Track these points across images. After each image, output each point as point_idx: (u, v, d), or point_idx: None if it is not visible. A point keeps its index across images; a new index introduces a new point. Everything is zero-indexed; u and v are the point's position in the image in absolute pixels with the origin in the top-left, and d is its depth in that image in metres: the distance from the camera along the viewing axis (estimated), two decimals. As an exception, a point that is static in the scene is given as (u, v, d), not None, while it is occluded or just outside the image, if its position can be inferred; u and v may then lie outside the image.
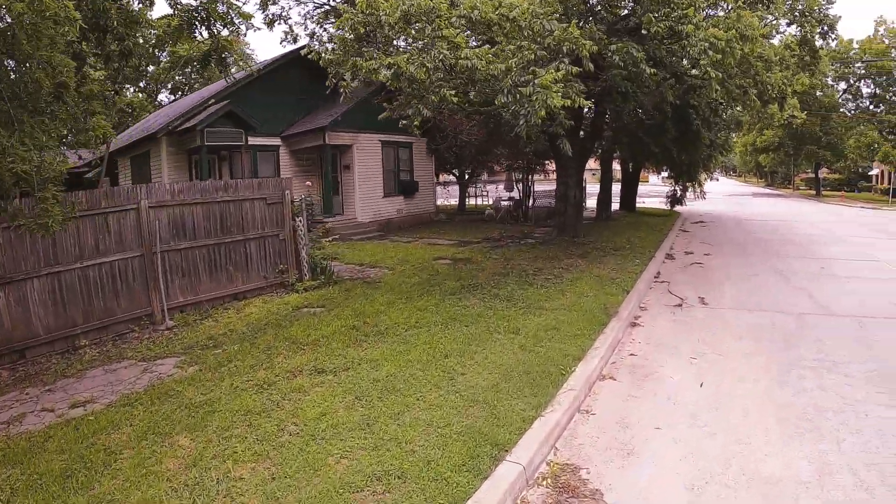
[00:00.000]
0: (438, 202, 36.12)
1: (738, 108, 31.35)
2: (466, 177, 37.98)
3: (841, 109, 65.68)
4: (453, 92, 12.74)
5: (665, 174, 37.80)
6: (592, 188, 36.16)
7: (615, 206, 36.56)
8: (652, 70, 14.03)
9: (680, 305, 14.33)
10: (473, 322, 11.41)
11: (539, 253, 20.31)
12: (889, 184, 73.97)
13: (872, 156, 63.29)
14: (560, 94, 11.74)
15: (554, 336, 10.82)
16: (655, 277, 17.59)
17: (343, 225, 24.66)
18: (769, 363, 10.20)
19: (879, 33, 62.59)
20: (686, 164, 29.98)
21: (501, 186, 39.77)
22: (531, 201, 32.54)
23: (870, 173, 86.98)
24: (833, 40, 30.71)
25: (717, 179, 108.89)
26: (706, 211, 40.44)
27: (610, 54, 14.43)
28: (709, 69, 14.03)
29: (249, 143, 22.58)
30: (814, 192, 74.35)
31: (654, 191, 54.30)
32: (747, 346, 11.12)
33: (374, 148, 26.92)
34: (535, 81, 11.87)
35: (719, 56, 13.97)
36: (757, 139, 71.34)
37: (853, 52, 62.86)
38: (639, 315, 13.46)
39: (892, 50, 60.85)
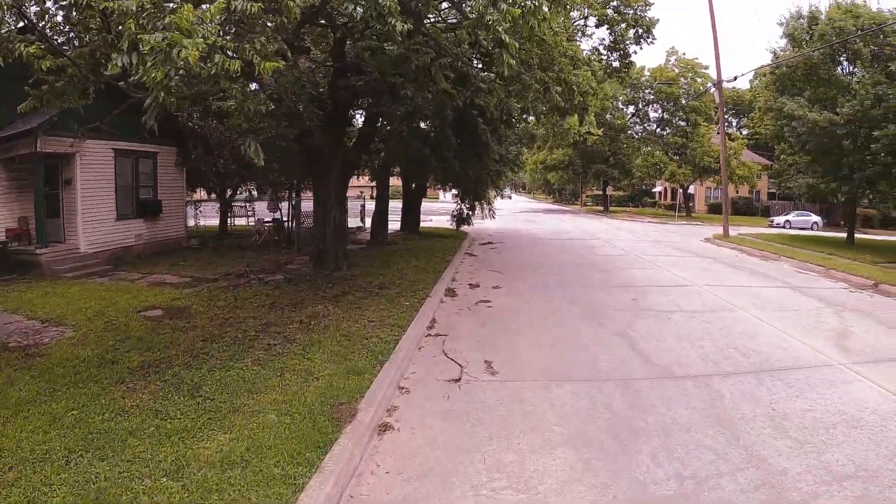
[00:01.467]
0: (202, 223, 31.81)
1: (531, 119, 28.06)
2: (229, 194, 31.64)
3: (629, 132, 70.94)
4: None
5: (455, 191, 33.61)
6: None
7: (395, 226, 32.44)
8: (405, 25, 9.25)
9: (458, 380, 9.56)
10: (117, 449, 6.65)
11: (281, 296, 15.21)
12: (672, 200, 77.12)
13: (659, 174, 67.79)
14: (200, 46, 6.48)
15: (232, 485, 5.93)
16: (429, 328, 12.87)
17: (60, 258, 18.75)
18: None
19: (670, 63, 67.59)
20: (473, 180, 25.83)
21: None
22: (294, 223, 27.00)
23: (653, 190, 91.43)
24: (651, 43, 28.50)
25: (510, 197, 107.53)
26: (497, 229, 37.31)
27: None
28: (501, 33, 9.73)
29: None
30: (602, 208, 77.04)
31: (444, 208, 50.63)
32: (570, 459, 6.89)
33: (105, 158, 21.07)
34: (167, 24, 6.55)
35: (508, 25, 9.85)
36: (548, 157, 72.61)
37: (644, 78, 67.04)
38: (395, 406, 8.50)
39: (681, 78, 65.90)
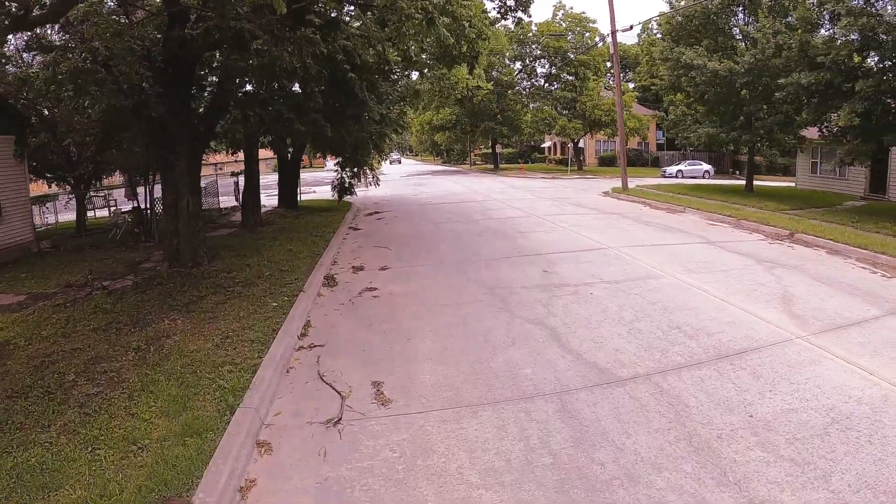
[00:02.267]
0: (60, 219, 28.96)
1: (414, 74, 25.65)
2: (83, 184, 27.34)
3: (516, 88, 69.26)
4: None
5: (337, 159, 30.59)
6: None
7: (272, 202, 29.58)
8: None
9: (338, 420, 7.03)
10: None
11: (123, 311, 12.21)
12: (562, 154, 76.05)
13: (549, 129, 66.08)
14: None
15: None
16: (301, 337, 10.31)
17: None
18: None
19: (558, 17, 66.21)
20: (352, 145, 23.01)
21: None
22: (151, 212, 23.55)
23: (542, 146, 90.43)
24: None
25: (399, 161, 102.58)
26: (383, 197, 34.42)
27: None
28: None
29: None
30: (492, 166, 74.83)
31: (329, 178, 47.67)
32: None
33: None
34: None
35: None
36: (434, 117, 69.63)
37: (531, 33, 65.83)
38: (251, 480, 5.91)
39: (569, 33, 64.86)
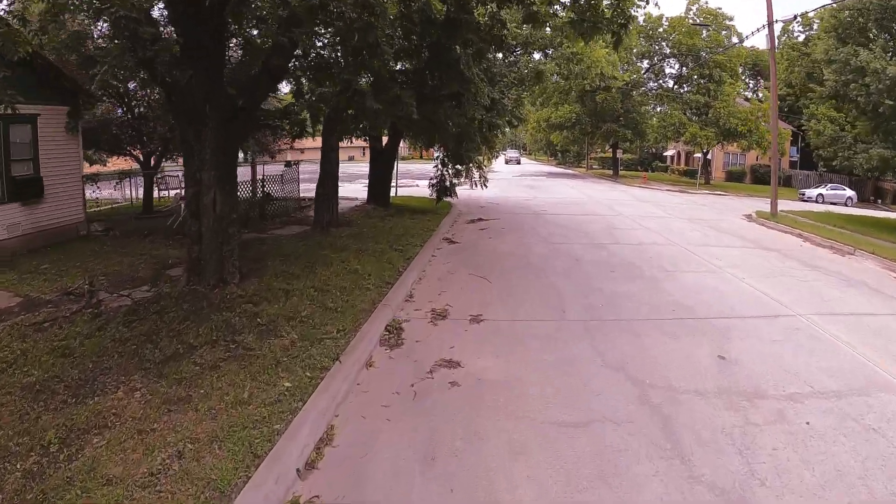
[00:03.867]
0: (128, 195, 27.38)
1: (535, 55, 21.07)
2: (153, 162, 25.03)
3: (641, 88, 61.40)
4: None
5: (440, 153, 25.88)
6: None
7: (360, 198, 25.67)
8: None
9: None
10: None
11: (87, 353, 9.01)
12: (686, 165, 69.25)
13: (678, 136, 58.14)
14: None
15: None
16: (306, 471, 6.03)
17: None
18: None
19: (691, 12, 58.47)
20: (452, 135, 18.35)
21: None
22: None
23: (665, 154, 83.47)
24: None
25: (518, 161, 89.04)
26: (491, 199, 29.09)
27: None
28: None
29: None
30: (610, 171, 68.37)
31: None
32: None
33: None
34: None
35: None
36: (553, 114, 63.43)
37: (662, 28, 58.45)
38: None
39: (703, 30, 56.06)
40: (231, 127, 11.53)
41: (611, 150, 70.99)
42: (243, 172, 23.47)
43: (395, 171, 26.65)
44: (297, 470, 5.82)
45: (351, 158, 72.99)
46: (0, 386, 7.97)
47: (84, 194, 20.45)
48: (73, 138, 19.33)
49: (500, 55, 20.07)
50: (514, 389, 7.57)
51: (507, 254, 15.75)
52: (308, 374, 7.67)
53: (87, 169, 24.93)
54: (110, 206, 27.53)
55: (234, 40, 13.14)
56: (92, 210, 24.55)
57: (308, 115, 15.44)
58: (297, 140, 20.13)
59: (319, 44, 12.50)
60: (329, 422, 6.85)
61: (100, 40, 15.89)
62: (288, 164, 20.58)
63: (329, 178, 18.78)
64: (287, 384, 7.38)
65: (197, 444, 6.09)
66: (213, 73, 11.21)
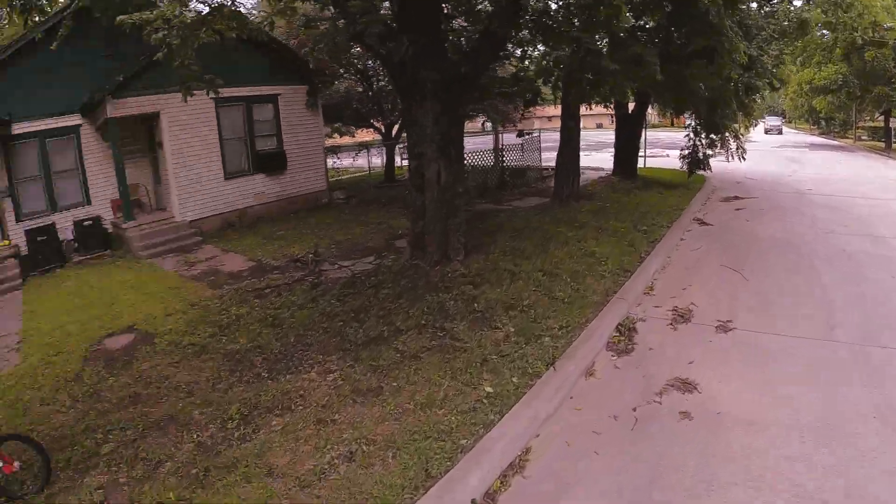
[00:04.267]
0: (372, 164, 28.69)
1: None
2: (394, 133, 26.10)
3: None
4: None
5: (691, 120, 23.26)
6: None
7: (606, 168, 23.82)
8: None
9: None
10: None
11: (293, 326, 9.11)
12: None
13: None
14: None
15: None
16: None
17: (150, 231, 16.69)
18: None
19: None
20: (704, 99, 16.23)
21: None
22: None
23: None
24: None
25: (780, 130, 74.09)
26: (748, 174, 25.15)
27: None
28: None
29: (18, 132, 15.79)
30: (882, 144, 58.79)
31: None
32: None
33: (201, 112, 17.82)
34: None
35: None
36: (814, 76, 55.60)
37: None
38: None
39: None
40: (452, 96, 10.63)
41: (882, 117, 62.08)
42: (481, 142, 22.71)
43: (642, 139, 24.67)
44: (473, 501, 4.85)
45: (599, 126, 70.06)
46: (207, 350, 8.34)
47: (326, 165, 21.50)
48: (313, 114, 20.55)
49: (753, 4, 17.49)
50: (764, 439, 5.69)
51: (765, 241, 13.24)
52: (515, 379, 6.62)
53: (329, 141, 25.96)
54: (351, 176, 28.26)
55: (451, 4, 12.14)
56: (333, 179, 25.47)
57: (540, 80, 14.19)
58: (534, 108, 19.03)
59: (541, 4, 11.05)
60: (526, 444, 5.76)
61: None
62: (520, 133, 19.38)
63: (569, 147, 17.44)
64: (489, 389, 6.41)
65: (371, 448, 5.48)
66: (429, 41, 10.42)
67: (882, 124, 59.20)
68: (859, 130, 71.79)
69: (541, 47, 14.54)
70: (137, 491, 5.33)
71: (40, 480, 5.59)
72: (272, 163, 19.61)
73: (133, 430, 6.40)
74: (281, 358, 7.91)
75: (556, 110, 22.24)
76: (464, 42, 12.61)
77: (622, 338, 8.00)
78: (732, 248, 12.59)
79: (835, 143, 64.35)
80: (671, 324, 8.41)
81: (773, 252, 12.19)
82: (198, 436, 6.14)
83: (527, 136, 20.33)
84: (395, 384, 6.74)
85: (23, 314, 11.80)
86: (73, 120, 17.04)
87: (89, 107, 16.71)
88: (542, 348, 7.29)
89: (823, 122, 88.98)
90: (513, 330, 7.83)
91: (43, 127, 16.50)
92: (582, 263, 10.63)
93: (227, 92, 16.54)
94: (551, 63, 13.13)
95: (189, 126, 17.64)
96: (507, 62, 18.30)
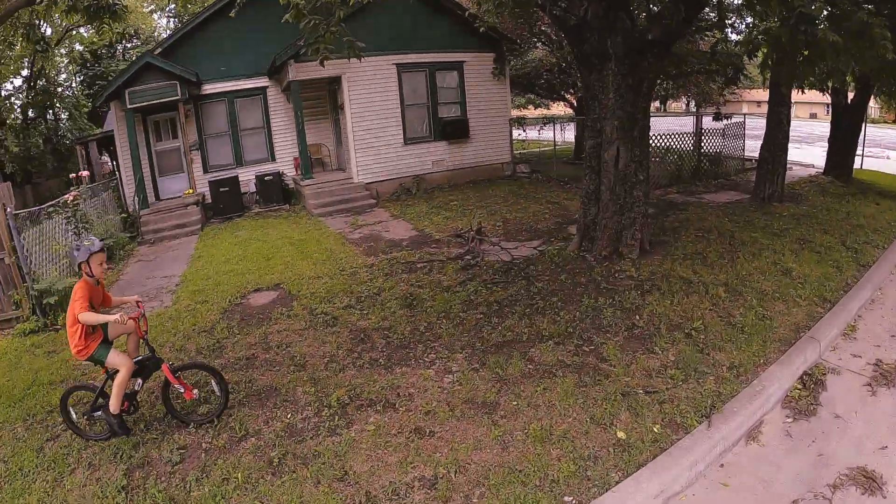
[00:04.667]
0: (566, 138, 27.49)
1: None
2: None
3: None
4: None
5: None
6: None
7: (816, 166, 21.21)
8: None
9: None
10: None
11: (434, 311, 8.55)
12: None
13: None
14: None
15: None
16: None
17: (326, 189, 17.58)
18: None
19: None
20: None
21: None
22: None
23: None
24: None
25: None
26: None
27: None
28: None
29: (208, 91, 17.99)
30: None
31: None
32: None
33: (383, 76, 18.28)
34: None
35: None
36: None
37: None
38: None
39: None
40: (637, 67, 9.22)
41: None
42: (679, 124, 20.64)
43: (862, 136, 21.79)
44: None
45: (813, 116, 63.26)
46: (337, 322, 8.13)
47: (511, 136, 20.89)
48: (500, 83, 20.06)
49: None
50: None
51: None
52: (657, 428, 5.43)
53: (514, 112, 25.42)
54: (541, 150, 27.25)
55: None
56: (524, 151, 24.78)
57: (745, 56, 12.32)
58: (741, 90, 17.08)
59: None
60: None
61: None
62: (717, 115, 17.28)
63: (775, 137, 15.31)
64: (620, 434, 5.31)
65: (460, 478, 4.81)
66: (611, 1, 8.94)
67: None
68: None
69: (748, 19, 12.61)
70: (212, 460, 5.22)
71: (218, 407, 5.97)
72: (454, 130, 19.37)
73: (235, 394, 6.32)
74: (405, 345, 7.34)
75: (765, 94, 20.05)
76: (655, 7, 10.91)
77: (805, 393, 6.42)
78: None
79: None
80: (869, 385, 6.66)
81: None
82: (292, 416, 5.92)
83: (726, 121, 18.11)
84: (514, 403, 5.87)
85: (191, 258, 12.58)
86: (261, 82, 18.41)
87: (275, 70, 17.67)
88: (701, 391, 6.01)
89: None
90: (672, 359, 6.59)
91: (232, 88, 18.08)
92: (773, 282, 9.00)
93: (410, 58, 18.36)
94: (759, 36, 11.25)
95: (370, 90, 17.90)
96: (708, 34, 16.37)
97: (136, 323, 5.70)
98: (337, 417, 5.83)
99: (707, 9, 12.39)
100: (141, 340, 5.81)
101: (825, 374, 6.84)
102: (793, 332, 7.43)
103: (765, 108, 16.80)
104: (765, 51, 11.18)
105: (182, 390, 5.76)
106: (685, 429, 5.41)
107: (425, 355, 7.06)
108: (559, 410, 5.70)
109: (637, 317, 7.57)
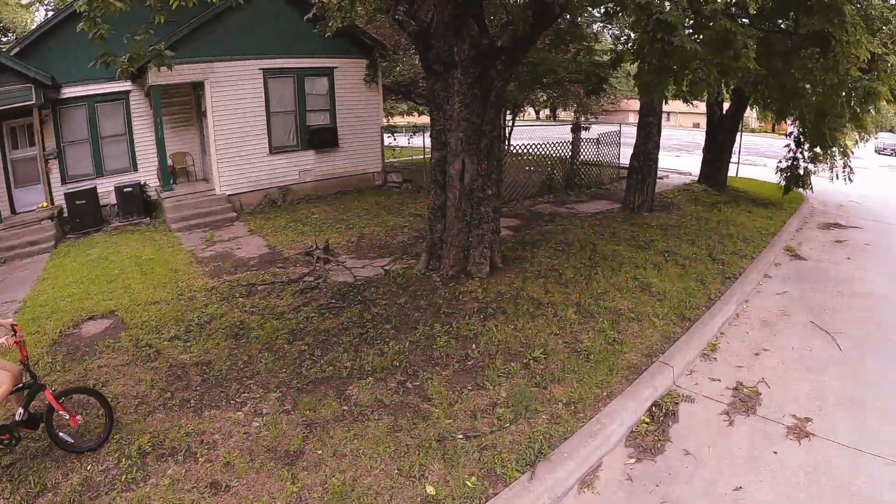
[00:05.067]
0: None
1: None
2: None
3: None
4: None
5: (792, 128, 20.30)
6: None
7: (694, 174, 21.38)
8: None
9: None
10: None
11: (275, 346, 7.58)
12: None
13: None
14: None
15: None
16: None
17: (186, 202, 16.45)
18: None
19: None
20: (813, 104, 13.53)
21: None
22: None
23: None
24: None
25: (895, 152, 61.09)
26: (851, 197, 20.92)
27: None
28: None
29: (68, 95, 16.39)
30: None
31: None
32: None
33: (248, 82, 17.23)
34: None
35: None
36: None
37: None
38: None
39: None
40: (486, 75, 8.54)
41: None
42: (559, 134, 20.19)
43: (737, 145, 21.96)
44: None
45: (696, 126, 65.57)
46: (160, 356, 7.33)
47: (382, 145, 20.25)
48: (372, 90, 19.37)
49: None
50: None
51: (870, 295, 10.20)
52: (471, 481, 4.71)
53: (399, 120, 24.71)
54: (411, 158, 26.65)
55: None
56: (395, 160, 24.15)
57: (609, 64, 11.87)
58: (596, 96, 16.84)
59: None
60: None
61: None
62: (575, 126, 16.82)
63: (645, 148, 15.13)
64: (430, 490, 4.61)
65: None
66: (457, 5, 8.30)
67: None
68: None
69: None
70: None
71: (105, 431, 5.62)
72: (322, 139, 18.57)
73: (40, 442, 5.56)
74: (221, 382, 6.50)
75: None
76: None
77: (653, 427, 5.81)
78: (827, 298, 10.04)
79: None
80: (726, 413, 6.12)
81: (879, 310, 9.57)
82: (92, 467, 5.24)
83: (585, 132, 17.62)
84: (319, 452, 5.11)
85: (36, 280, 11.64)
86: (124, 86, 17.09)
87: (138, 73, 16.15)
88: (530, 433, 5.31)
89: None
90: (503, 395, 5.90)
91: (93, 91, 16.70)
92: (630, 300, 8.48)
93: (278, 63, 17.21)
94: (624, 45, 10.80)
95: (235, 97, 16.95)
96: (586, 43, 16.00)
97: (20, 346, 5.31)
98: (135, 469, 5.11)
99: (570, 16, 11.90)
100: (22, 366, 5.40)
101: (678, 402, 6.28)
102: (645, 358, 6.85)
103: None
104: (628, 57, 10.73)
105: (67, 417, 5.44)
106: (504, 481, 4.70)
107: (238, 395, 6.20)
108: (366, 461, 4.93)
109: (473, 345, 6.86)
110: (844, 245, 14.03)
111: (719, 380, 6.79)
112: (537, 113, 45.62)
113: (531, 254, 10.28)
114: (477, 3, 8.75)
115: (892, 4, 15.04)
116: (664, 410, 6.06)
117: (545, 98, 24.38)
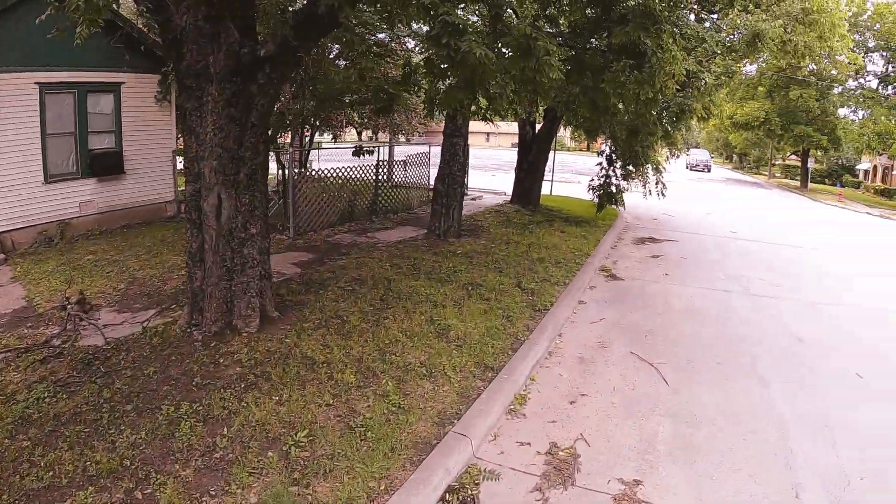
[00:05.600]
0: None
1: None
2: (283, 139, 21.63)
3: (839, 88, 47.76)
4: None
5: (605, 146, 20.26)
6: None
7: (508, 193, 21.06)
8: None
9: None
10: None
11: None
12: (883, 182, 58.73)
13: (885, 148, 46.09)
14: None
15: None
16: None
17: None
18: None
19: None
20: (625, 123, 13.23)
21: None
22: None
23: (857, 167, 71.53)
24: None
25: (708, 168, 64.31)
26: (664, 211, 22.07)
27: None
28: None
29: None
30: (797, 183, 57.22)
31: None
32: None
33: (21, 98, 14.40)
34: None
35: None
36: (737, 111, 53.50)
37: (866, 15, 46.75)
38: None
39: None
40: (245, 91, 7.07)
41: (794, 157, 61.15)
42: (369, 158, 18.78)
43: (550, 163, 21.67)
44: None
45: (514, 145, 66.38)
46: None
47: (174, 171, 18.17)
48: (163, 109, 17.42)
49: (692, 17, 14.44)
50: None
51: (690, 312, 9.99)
52: None
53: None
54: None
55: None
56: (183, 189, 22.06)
57: (403, 80, 10.71)
58: (387, 115, 15.88)
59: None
60: None
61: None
62: (358, 150, 15.51)
63: (450, 170, 14.20)
64: None
65: None
66: (212, 9, 6.83)
67: (794, 162, 58.83)
68: (775, 168, 71.36)
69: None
70: None
71: None
72: (106, 165, 16.41)
73: None
74: None
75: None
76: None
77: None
78: (647, 320, 9.37)
79: (749, 179, 63.69)
80: (539, 490, 4.95)
81: (701, 331, 8.99)
82: None
83: (368, 156, 16.15)
84: None
85: None
86: None
87: None
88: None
89: (737, 158, 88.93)
90: (253, 501, 4.42)
91: None
92: (424, 350, 7.26)
93: (58, 76, 14.90)
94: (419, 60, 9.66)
95: (2, 115, 14.46)
96: (395, 59, 14.86)
97: None
98: None
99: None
100: None
101: (479, 483, 5.04)
102: (436, 427, 5.59)
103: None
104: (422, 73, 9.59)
105: None
106: None
107: None
108: None
109: (225, 429, 5.31)
110: (660, 260, 13.70)
111: (529, 443, 5.64)
112: (359, 134, 44.44)
113: (315, 297, 8.87)
114: (242, 3, 7.27)
115: (706, 27, 15.06)
116: (461, 497, 4.78)
117: (358, 118, 23.05)
